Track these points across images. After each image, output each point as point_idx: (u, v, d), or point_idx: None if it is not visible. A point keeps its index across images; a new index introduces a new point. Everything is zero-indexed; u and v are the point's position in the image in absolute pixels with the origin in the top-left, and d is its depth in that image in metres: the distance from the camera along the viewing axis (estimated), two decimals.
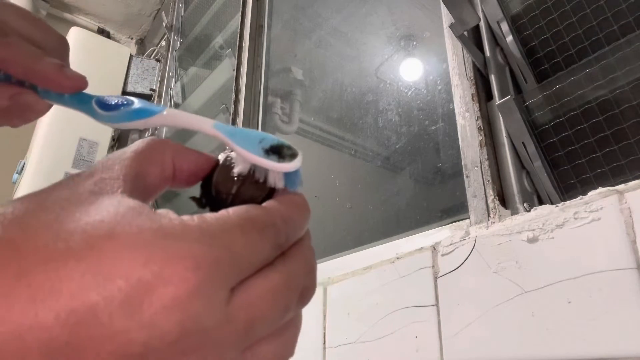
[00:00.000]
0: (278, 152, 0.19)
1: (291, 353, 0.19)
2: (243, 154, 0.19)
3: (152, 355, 0.14)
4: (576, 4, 0.59)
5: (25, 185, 1.86)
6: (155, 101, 2.01)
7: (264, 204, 0.19)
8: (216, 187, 0.20)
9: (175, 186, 0.20)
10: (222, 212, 0.17)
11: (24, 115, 0.30)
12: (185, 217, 0.16)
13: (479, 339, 0.52)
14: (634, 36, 0.53)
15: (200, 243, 0.15)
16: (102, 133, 2.03)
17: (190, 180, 0.21)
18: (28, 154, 1.96)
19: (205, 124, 0.21)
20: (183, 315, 0.14)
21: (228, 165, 0.20)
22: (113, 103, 0.24)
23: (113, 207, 0.15)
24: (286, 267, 0.18)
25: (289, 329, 0.18)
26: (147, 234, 0.15)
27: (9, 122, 0.30)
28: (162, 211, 0.16)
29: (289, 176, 0.20)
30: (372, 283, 0.68)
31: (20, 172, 1.93)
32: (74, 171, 1.94)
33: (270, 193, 0.20)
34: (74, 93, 0.27)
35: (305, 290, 0.19)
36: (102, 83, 2.03)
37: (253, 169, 0.20)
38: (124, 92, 2.11)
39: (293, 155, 0.19)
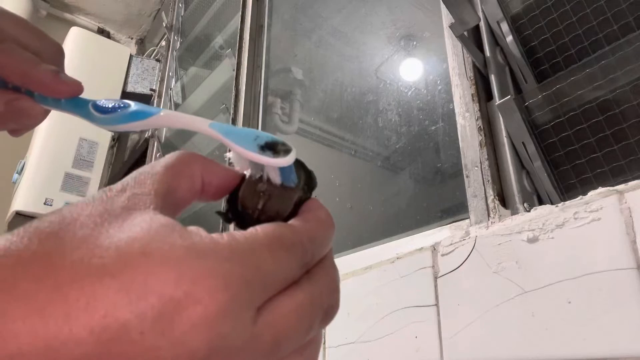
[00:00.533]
0: (273, 148, 0.20)
1: None
2: (239, 151, 0.20)
3: None
4: (576, 4, 0.59)
5: (25, 185, 1.86)
6: (155, 101, 2.01)
7: (290, 222, 0.19)
8: (242, 202, 0.21)
9: (202, 200, 0.21)
10: (251, 231, 0.17)
11: (20, 121, 0.30)
12: (215, 236, 0.16)
13: (479, 339, 0.52)
14: (634, 36, 0.53)
15: (230, 262, 0.15)
16: (102, 133, 2.03)
17: (217, 194, 0.21)
18: (28, 154, 1.96)
19: (202, 124, 0.21)
20: (211, 334, 0.14)
21: (255, 180, 0.21)
22: (110, 106, 0.25)
23: (146, 223, 0.16)
24: (311, 286, 0.18)
25: (311, 345, 0.19)
26: (179, 252, 0.15)
27: (5, 127, 0.31)
28: (192, 228, 0.16)
29: (284, 171, 0.20)
30: (372, 283, 0.68)
31: (20, 172, 1.93)
32: (74, 171, 1.94)
33: (296, 208, 0.21)
34: (70, 98, 0.28)
35: (329, 309, 0.19)
36: (102, 83, 2.03)
37: (279, 184, 0.21)
38: (124, 92, 2.11)
39: (287, 151, 0.19)
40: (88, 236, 0.15)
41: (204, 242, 0.16)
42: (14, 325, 0.13)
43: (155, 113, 0.23)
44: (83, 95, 0.28)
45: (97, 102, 0.26)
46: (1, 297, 0.13)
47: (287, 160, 0.19)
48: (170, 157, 0.20)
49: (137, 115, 0.23)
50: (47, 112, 0.32)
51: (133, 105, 0.24)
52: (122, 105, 0.24)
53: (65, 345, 0.13)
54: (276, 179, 0.20)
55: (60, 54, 0.32)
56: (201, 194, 0.20)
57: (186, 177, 0.19)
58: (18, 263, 0.14)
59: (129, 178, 0.18)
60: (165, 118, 0.23)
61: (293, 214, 0.20)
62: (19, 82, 0.28)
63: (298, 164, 0.21)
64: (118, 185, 0.18)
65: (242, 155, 0.20)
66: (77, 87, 0.28)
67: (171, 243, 0.15)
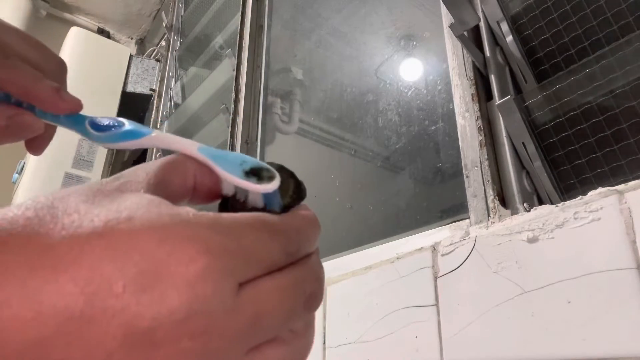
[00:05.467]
0: (257, 174, 0.20)
1: None
2: (225, 176, 0.21)
3: (160, 331, 0.15)
4: (576, 4, 0.59)
5: (25, 185, 1.86)
6: (155, 101, 2.01)
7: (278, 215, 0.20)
8: (233, 205, 0.21)
9: (194, 201, 0.22)
10: (238, 213, 0.18)
11: (21, 135, 0.32)
12: (202, 212, 0.17)
13: (479, 339, 0.52)
14: (634, 36, 0.53)
15: (212, 230, 0.16)
16: None
17: (209, 196, 0.22)
18: (28, 154, 1.96)
19: (191, 147, 0.22)
20: (191, 295, 0.15)
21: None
22: (104, 124, 0.26)
23: (136, 198, 0.17)
24: (295, 272, 0.19)
25: (299, 338, 0.19)
26: (165, 218, 0.16)
27: (6, 141, 0.32)
28: (180, 206, 0.18)
29: (268, 197, 0.21)
30: (372, 283, 0.68)
31: (20, 172, 1.93)
32: (74, 171, 1.94)
33: (284, 213, 0.21)
34: (69, 114, 0.29)
35: (312, 295, 0.19)
36: (102, 83, 2.03)
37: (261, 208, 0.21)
38: (124, 92, 2.11)
39: (271, 178, 0.20)
40: (81, 205, 0.16)
41: (189, 214, 0.17)
42: (2, 276, 0.14)
43: (147, 134, 0.24)
44: (85, 98, 0.29)
45: (94, 119, 0.27)
46: None
47: (269, 187, 0.20)
48: (166, 157, 0.21)
49: (129, 135, 0.25)
50: (52, 128, 0.34)
51: (127, 125, 0.25)
52: (116, 124, 0.25)
53: (50, 297, 0.14)
54: (259, 203, 0.21)
55: (63, 69, 0.33)
56: (193, 193, 0.21)
57: (179, 174, 0.21)
58: (13, 226, 0.15)
59: (125, 172, 0.19)
60: (156, 139, 0.24)
61: None
62: (22, 97, 0.29)
63: (287, 173, 0.22)
64: (114, 176, 0.19)
65: (226, 180, 0.21)
66: (77, 104, 0.29)
67: (158, 212, 0.16)
